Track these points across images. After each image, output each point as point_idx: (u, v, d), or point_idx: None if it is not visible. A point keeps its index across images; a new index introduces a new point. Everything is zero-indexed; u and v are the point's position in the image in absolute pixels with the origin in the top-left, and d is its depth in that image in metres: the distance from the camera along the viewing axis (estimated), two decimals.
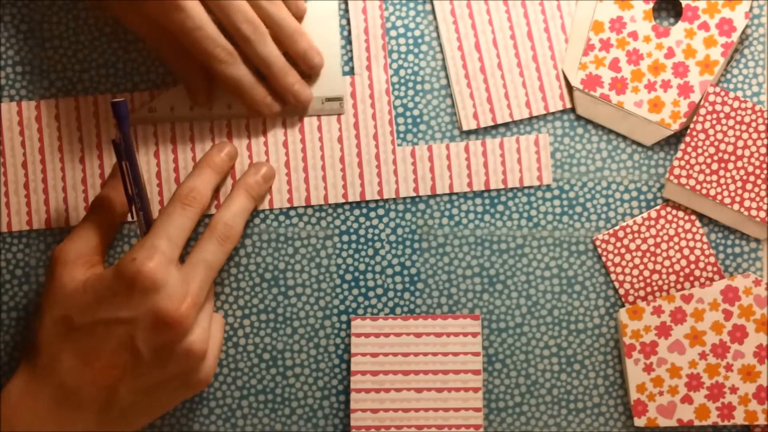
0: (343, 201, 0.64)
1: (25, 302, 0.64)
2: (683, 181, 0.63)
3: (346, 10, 0.65)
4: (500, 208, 0.65)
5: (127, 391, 0.57)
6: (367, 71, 0.65)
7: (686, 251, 0.64)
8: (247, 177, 0.63)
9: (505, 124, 0.65)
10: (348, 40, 0.65)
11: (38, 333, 0.58)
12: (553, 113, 0.65)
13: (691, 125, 0.63)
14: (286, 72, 0.62)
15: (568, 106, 0.65)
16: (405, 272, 0.65)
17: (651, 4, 0.63)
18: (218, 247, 0.60)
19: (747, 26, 0.64)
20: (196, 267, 0.59)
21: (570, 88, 0.64)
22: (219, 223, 0.61)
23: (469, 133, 0.65)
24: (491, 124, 0.64)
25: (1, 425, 0.57)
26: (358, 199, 0.64)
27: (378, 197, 0.64)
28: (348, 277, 0.65)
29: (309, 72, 0.64)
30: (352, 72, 0.65)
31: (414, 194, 0.64)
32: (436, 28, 0.65)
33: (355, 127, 0.65)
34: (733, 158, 0.63)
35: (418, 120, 0.65)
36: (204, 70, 0.62)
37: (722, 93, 0.63)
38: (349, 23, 0.65)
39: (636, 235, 0.64)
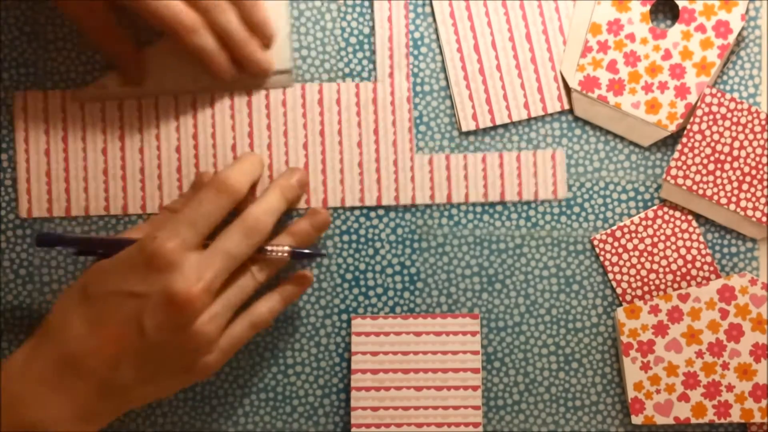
0: (360, 205, 0.65)
1: (29, 302, 0.65)
2: (680, 181, 0.63)
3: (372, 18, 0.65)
4: (499, 208, 0.65)
5: (128, 367, 0.57)
6: (390, 78, 0.65)
7: (683, 251, 0.64)
8: (283, 179, 0.63)
9: (505, 125, 0.65)
10: (372, 49, 0.65)
11: (59, 298, 0.59)
12: (551, 114, 0.65)
13: (688, 126, 0.63)
14: (247, 41, 0.63)
15: (566, 107, 0.65)
16: (405, 272, 0.65)
17: (648, 6, 0.63)
18: (243, 239, 0.59)
19: (743, 28, 0.64)
20: (216, 255, 0.58)
21: (568, 90, 0.65)
22: (250, 215, 0.60)
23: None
24: (490, 125, 0.65)
25: (2, 381, 0.57)
26: (372, 204, 0.65)
27: (394, 203, 0.64)
28: (348, 276, 0.65)
29: (263, 42, 0.64)
30: (374, 79, 0.65)
31: (430, 201, 0.64)
32: (436, 30, 0.65)
33: (375, 133, 0.65)
34: (729, 159, 0.63)
35: (418, 121, 0.65)
36: (135, 50, 0.63)
37: (719, 94, 0.63)
38: (373, 30, 0.65)
39: (633, 234, 0.64)
